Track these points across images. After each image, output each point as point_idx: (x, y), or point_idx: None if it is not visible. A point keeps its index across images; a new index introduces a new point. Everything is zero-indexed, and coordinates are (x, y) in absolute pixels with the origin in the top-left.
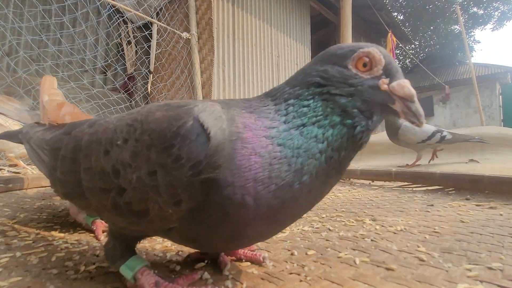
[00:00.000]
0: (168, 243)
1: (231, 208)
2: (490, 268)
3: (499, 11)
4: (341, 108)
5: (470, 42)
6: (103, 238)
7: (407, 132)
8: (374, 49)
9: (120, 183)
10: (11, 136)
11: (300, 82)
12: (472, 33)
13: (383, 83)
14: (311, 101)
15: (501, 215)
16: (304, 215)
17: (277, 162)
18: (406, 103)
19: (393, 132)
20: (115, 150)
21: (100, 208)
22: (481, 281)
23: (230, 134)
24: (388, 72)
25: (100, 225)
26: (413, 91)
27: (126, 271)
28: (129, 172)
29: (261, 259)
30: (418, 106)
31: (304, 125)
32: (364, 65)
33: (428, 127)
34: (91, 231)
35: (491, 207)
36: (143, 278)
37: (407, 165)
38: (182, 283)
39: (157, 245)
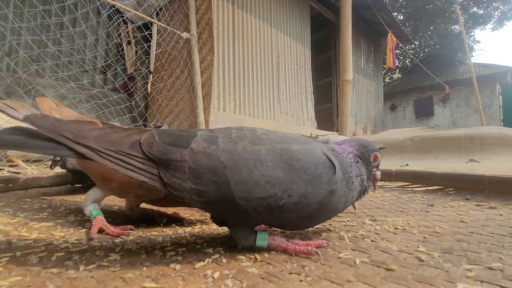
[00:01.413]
0: (167, 243)
1: (335, 205)
2: (490, 268)
3: (499, 11)
4: (362, 172)
5: (470, 42)
6: (95, 236)
7: None
8: (379, 155)
9: (276, 193)
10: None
11: (351, 154)
12: (472, 33)
13: (374, 170)
14: (355, 164)
15: (501, 215)
16: None
17: (347, 193)
18: (375, 181)
19: None
20: (267, 169)
21: (245, 210)
22: (481, 281)
23: (340, 165)
24: (377, 166)
25: (100, 223)
26: (379, 178)
27: (261, 242)
28: (284, 185)
29: (324, 244)
30: (376, 185)
31: (357, 175)
32: (375, 159)
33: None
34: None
35: (491, 207)
36: (275, 239)
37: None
38: (304, 242)
39: (156, 244)
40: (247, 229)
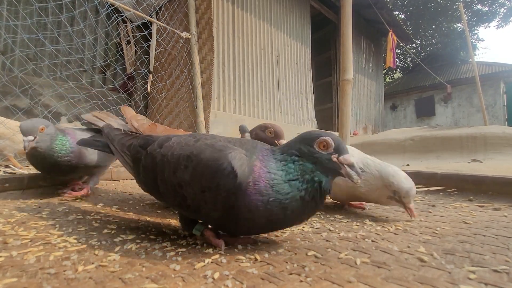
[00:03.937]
0: (167, 243)
1: (244, 214)
2: (495, 271)
3: (505, 7)
4: (310, 170)
5: (473, 40)
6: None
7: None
8: (328, 138)
9: (183, 193)
10: (93, 131)
11: (287, 152)
12: (476, 31)
13: (334, 157)
14: (293, 164)
15: (505, 216)
16: None
17: (272, 201)
18: (348, 168)
19: None
20: (179, 172)
21: (170, 203)
22: (485, 284)
23: (248, 175)
24: (337, 150)
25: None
26: (352, 161)
27: (196, 231)
28: (189, 187)
29: (251, 241)
30: (356, 170)
31: (290, 180)
32: (323, 146)
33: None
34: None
35: (494, 208)
36: (207, 233)
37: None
38: (232, 238)
39: (156, 244)
40: (188, 221)
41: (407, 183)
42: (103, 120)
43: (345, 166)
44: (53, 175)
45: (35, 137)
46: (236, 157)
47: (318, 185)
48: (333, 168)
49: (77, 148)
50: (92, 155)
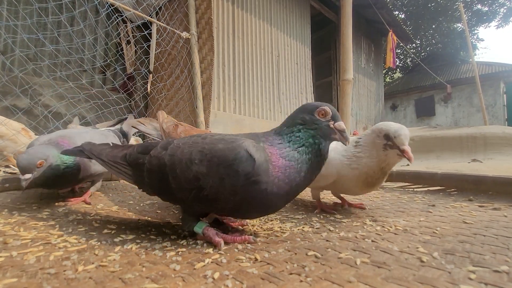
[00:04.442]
0: (167, 243)
1: (266, 194)
2: (495, 271)
3: (505, 7)
4: (312, 136)
5: (473, 40)
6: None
7: None
8: (326, 107)
9: (200, 185)
10: (74, 152)
11: (291, 123)
12: (476, 31)
13: (331, 123)
14: (299, 133)
15: (505, 216)
16: (304, 216)
17: (289, 169)
18: (341, 133)
19: None
20: (194, 166)
21: (181, 199)
22: (485, 284)
23: (264, 157)
24: (333, 118)
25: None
26: (344, 127)
27: (197, 229)
28: (207, 178)
29: (252, 240)
30: (346, 134)
31: (298, 146)
32: (322, 114)
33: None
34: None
35: (494, 208)
36: (208, 231)
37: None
38: (231, 237)
39: (156, 244)
40: (191, 218)
41: (396, 124)
42: (144, 125)
43: (339, 131)
44: (58, 188)
45: (33, 173)
46: (249, 145)
47: (319, 146)
48: (330, 133)
49: (80, 160)
50: (95, 165)
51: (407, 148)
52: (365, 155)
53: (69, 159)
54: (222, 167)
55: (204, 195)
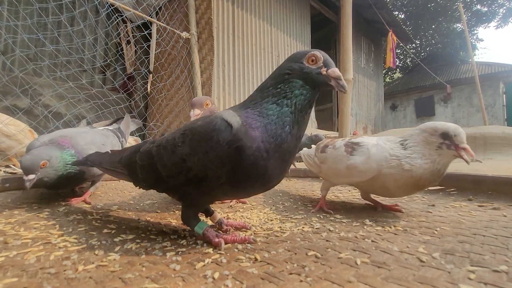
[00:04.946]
0: (167, 243)
1: (254, 160)
2: (494, 271)
3: (505, 7)
4: (300, 86)
5: (473, 41)
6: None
7: None
8: (316, 52)
9: (187, 165)
10: (81, 163)
11: (277, 74)
12: (475, 31)
13: (323, 70)
14: (282, 84)
15: (504, 216)
16: (304, 216)
17: (269, 125)
18: (337, 80)
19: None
20: (178, 149)
21: (175, 185)
22: (485, 284)
23: (242, 122)
24: (325, 64)
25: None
26: (339, 74)
27: (197, 229)
28: (191, 157)
29: (251, 240)
30: (343, 82)
31: (279, 99)
32: (312, 60)
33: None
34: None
35: (494, 208)
36: (208, 232)
37: None
38: (231, 238)
39: (156, 244)
40: (192, 215)
41: (451, 123)
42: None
43: (334, 78)
44: (60, 189)
45: (37, 174)
46: (225, 113)
47: (305, 97)
48: (323, 81)
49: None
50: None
51: (467, 146)
52: (418, 156)
53: (71, 160)
54: (203, 142)
55: (193, 175)
